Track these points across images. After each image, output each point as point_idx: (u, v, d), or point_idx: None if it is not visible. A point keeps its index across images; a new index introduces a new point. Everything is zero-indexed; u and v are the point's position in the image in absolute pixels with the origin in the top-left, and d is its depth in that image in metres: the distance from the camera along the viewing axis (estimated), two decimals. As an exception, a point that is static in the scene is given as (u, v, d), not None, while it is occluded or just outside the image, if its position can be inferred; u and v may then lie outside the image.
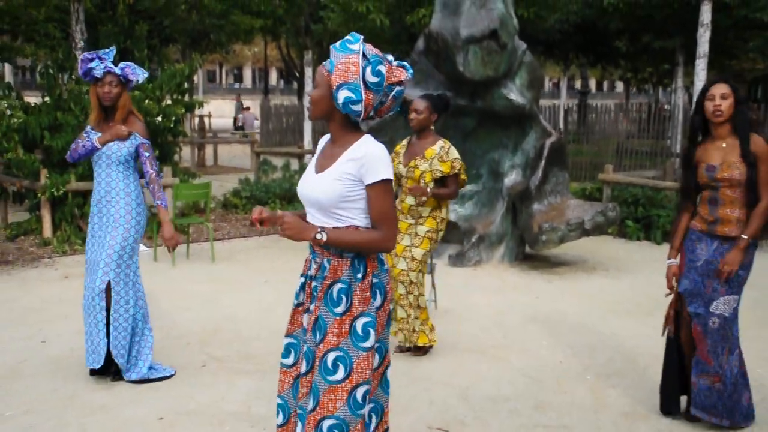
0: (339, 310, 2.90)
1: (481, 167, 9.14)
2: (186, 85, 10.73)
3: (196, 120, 23.39)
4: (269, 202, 12.08)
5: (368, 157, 2.84)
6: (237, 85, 77.34)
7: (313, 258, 3.02)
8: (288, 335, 3.14)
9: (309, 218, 3.01)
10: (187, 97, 10.99)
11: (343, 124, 2.93)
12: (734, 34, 18.77)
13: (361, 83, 2.79)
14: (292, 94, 63.80)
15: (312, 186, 2.93)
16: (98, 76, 4.95)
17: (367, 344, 2.90)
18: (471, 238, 8.82)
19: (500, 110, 8.84)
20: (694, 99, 12.19)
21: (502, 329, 6.51)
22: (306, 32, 16.11)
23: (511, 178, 9.00)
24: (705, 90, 4.34)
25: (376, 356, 3.01)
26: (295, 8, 15.59)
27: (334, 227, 2.88)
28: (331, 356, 2.87)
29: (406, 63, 2.96)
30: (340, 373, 2.87)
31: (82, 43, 11.23)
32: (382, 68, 2.82)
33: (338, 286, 2.92)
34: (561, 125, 21.50)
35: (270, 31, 26.60)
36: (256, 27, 21.43)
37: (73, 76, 10.52)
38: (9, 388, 5.02)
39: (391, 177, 2.87)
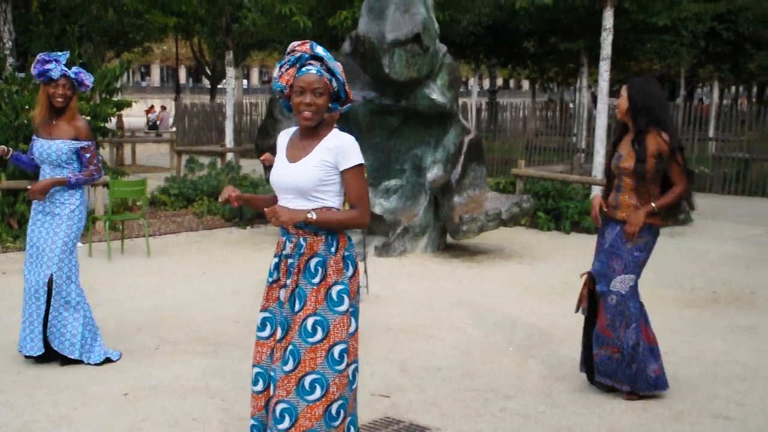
0: (316, 280, 3.36)
1: (405, 163, 9.69)
2: (116, 85, 10.93)
3: (114, 119, 23.28)
4: (197, 199, 12.38)
5: (343, 146, 3.35)
6: (145, 83, 76.15)
7: (287, 238, 3.45)
8: (263, 310, 3.54)
9: (283, 203, 3.46)
10: (115, 97, 11.18)
11: (322, 117, 3.41)
12: (633, 37, 19.89)
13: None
14: (202, 93, 63.32)
15: (291, 174, 3.38)
16: (54, 77, 5.27)
17: (342, 308, 3.37)
18: (396, 230, 9.37)
19: (423, 109, 9.41)
20: (599, 98, 13.06)
21: (431, 311, 7.08)
22: (227, 32, 16.37)
23: (433, 172, 9.59)
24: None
25: (352, 320, 3.44)
26: (216, 9, 15.83)
27: (317, 209, 3.34)
28: (309, 321, 3.32)
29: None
30: (319, 335, 3.32)
31: (10, 44, 11.31)
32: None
33: (315, 260, 3.37)
34: (473, 123, 22.32)
35: (183, 30, 26.65)
36: (170, 25, 21.50)
37: (2, 76, 10.62)
38: (-25, 372, 5.31)
39: (363, 162, 3.37)
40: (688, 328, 6.61)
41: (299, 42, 3.40)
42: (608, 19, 12.43)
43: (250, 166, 16.57)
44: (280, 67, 3.38)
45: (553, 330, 6.53)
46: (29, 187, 5.43)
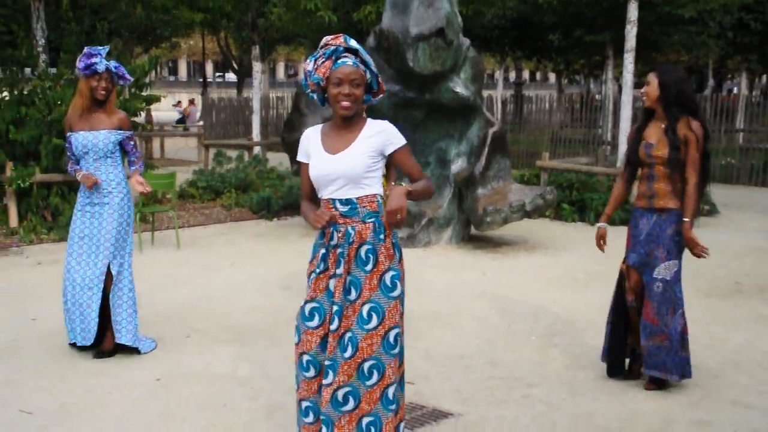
0: (368, 267, 3.45)
1: (429, 155, 9.80)
2: (145, 80, 11.13)
3: (143, 114, 23.59)
4: (225, 191, 12.57)
5: (387, 131, 3.49)
6: (173, 78, 76.81)
7: (335, 228, 3.50)
8: (310, 300, 3.57)
9: (330, 195, 3.49)
10: (145, 92, 11.38)
11: (358, 109, 3.52)
12: (659, 29, 19.79)
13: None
14: (229, 87, 63.74)
15: (337, 164, 3.45)
16: (99, 71, 5.44)
17: (395, 293, 3.47)
18: (421, 222, 9.48)
19: (447, 102, 9.50)
20: (623, 90, 13.08)
21: (455, 301, 7.18)
22: (253, 28, 16.53)
23: (457, 165, 9.68)
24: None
25: (401, 307, 3.52)
26: (242, 5, 16.01)
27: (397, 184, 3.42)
28: (365, 308, 3.42)
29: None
30: (374, 321, 3.42)
31: (43, 41, 11.56)
32: None
33: (365, 247, 3.46)
34: (498, 116, 22.35)
35: (209, 25, 26.89)
36: (196, 21, 21.73)
37: (35, 72, 10.86)
38: (11, 360, 5.51)
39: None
40: (709, 317, 6.66)
41: (332, 36, 3.50)
42: (632, 11, 12.45)
43: (277, 159, 16.75)
44: (315, 60, 3.48)
45: (575, 320, 6.62)
46: (141, 184, 5.69)
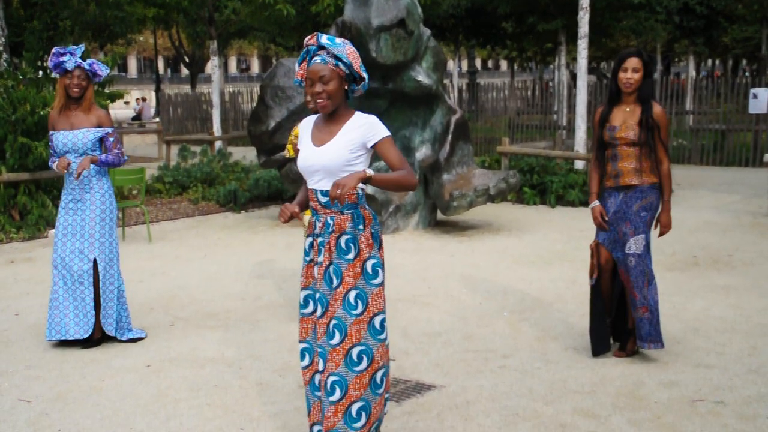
0: (350, 256, 3.59)
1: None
2: (109, 77, 11.18)
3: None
4: (191, 186, 12.68)
5: (369, 123, 3.57)
6: (123, 75, 75.95)
7: (317, 218, 3.67)
8: (304, 288, 3.77)
9: (313, 185, 3.65)
10: (108, 89, 11.44)
11: (342, 105, 3.63)
12: (609, 15, 20.25)
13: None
14: (181, 83, 63.27)
15: (318, 156, 3.59)
16: (69, 68, 5.57)
17: (377, 281, 3.63)
18: (388, 208, 9.72)
19: (410, 91, 9.74)
20: (578, 76, 13.44)
21: (426, 282, 7.44)
22: (210, 22, 16.58)
23: (422, 152, 9.93)
24: (620, 61, 5.09)
25: (385, 294, 3.69)
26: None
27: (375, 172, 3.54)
28: (351, 294, 3.57)
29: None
30: (360, 307, 3.57)
31: (3, 40, 11.53)
32: None
33: (345, 237, 3.60)
34: (456, 104, 22.62)
35: (162, 20, 26.74)
36: (149, 16, 21.59)
37: (-3, 72, 10.88)
38: (3, 351, 5.64)
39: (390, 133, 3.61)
40: (670, 288, 7.01)
41: (309, 36, 3.62)
42: (585, -2, 12.78)
43: (239, 153, 16.85)
44: (299, 64, 3.62)
45: (543, 295, 6.91)
46: (72, 171, 5.63)
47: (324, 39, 3.55)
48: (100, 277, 5.66)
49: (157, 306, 6.76)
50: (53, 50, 5.57)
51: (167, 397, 4.77)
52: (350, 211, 3.61)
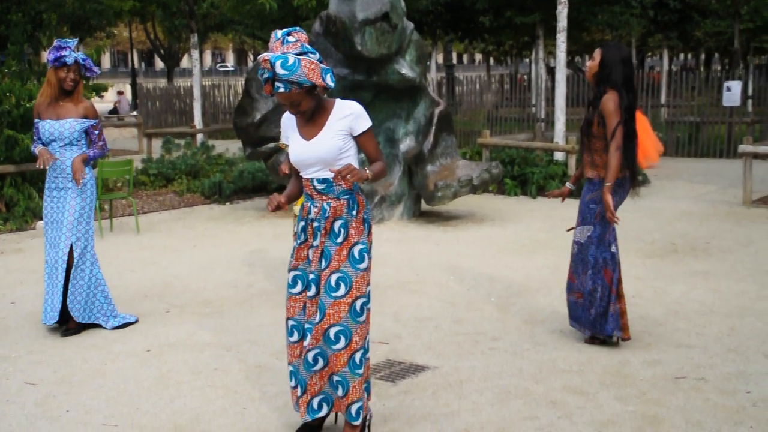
0: (339, 240, 3.77)
1: (378, 135, 10.18)
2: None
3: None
4: (176, 178, 12.77)
5: (354, 113, 3.75)
6: (97, 68, 75.26)
7: (312, 204, 3.83)
8: (293, 269, 3.94)
9: (309, 175, 3.81)
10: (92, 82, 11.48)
11: (317, 100, 3.75)
12: (585, 9, 20.51)
13: (319, 63, 3.64)
14: (156, 76, 62.91)
15: (313, 148, 3.75)
16: (69, 63, 5.68)
17: (362, 266, 3.80)
18: (374, 199, 9.88)
19: (394, 84, 9.90)
20: (557, 69, 13.67)
21: (414, 270, 7.61)
22: (191, 15, 16.63)
23: (406, 144, 10.10)
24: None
25: (369, 279, 3.85)
26: (179, -9, 16.11)
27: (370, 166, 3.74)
28: (334, 277, 3.74)
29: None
30: (342, 290, 3.74)
31: (-14, 32, 11.56)
32: (305, 44, 3.68)
33: (339, 222, 3.78)
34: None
35: (138, 13, 26.66)
36: (125, 9, 21.54)
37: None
38: (4, 338, 5.75)
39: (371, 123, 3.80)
40: (651, 274, 7.24)
41: (263, 54, 3.65)
42: (563, -8, 13.00)
43: (221, 146, 16.92)
44: (264, 84, 3.70)
45: (528, 282, 7.11)
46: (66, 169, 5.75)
47: (278, 67, 3.56)
48: (74, 264, 5.77)
49: (151, 294, 6.88)
50: (54, 43, 5.68)
51: (169, 379, 4.91)
52: (346, 197, 3.80)
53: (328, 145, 3.74)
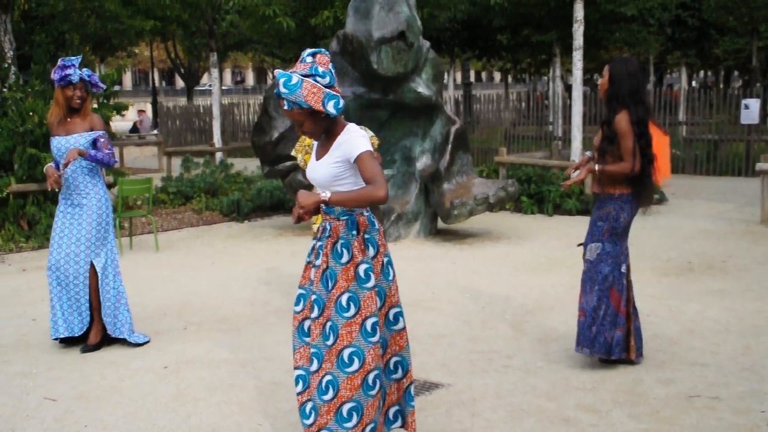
0: (344, 260, 3.79)
1: (395, 153, 10.26)
2: (114, 89, 11.40)
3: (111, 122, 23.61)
4: (195, 196, 12.90)
5: (348, 141, 3.74)
6: (118, 87, 76.09)
7: (321, 223, 3.93)
8: (300, 287, 4.00)
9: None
10: (113, 101, 11.66)
11: (326, 125, 3.80)
12: (603, 27, 20.55)
13: (325, 88, 3.68)
14: (176, 95, 63.46)
15: (315, 170, 3.86)
16: (74, 81, 5.78)
17: (369, 285, 3.80)
18: (390, 217, 9.94)
19: (410, 102, 9.99)
20: (573, 87, 13.70)
21: (429, 287, 7.66)
22: (210, 35, 16.84)
23: (422, 162, 10.17)
24: None
25: (377, 298, 3.83)
26: (198, 12, 16.29)
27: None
28: (344, 297, 3.76)
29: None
30: (352, 310, 3.76)
31: (11, 53, 11.74)
32: (318, 67, 3.71)
33: (340, 242, 3.81)
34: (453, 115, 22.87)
35: (159, 33, 26.99)
36: (146, 29, 21.83)
37: (7, 84, 11.07)
38: (25, 354, 5.85)
39: (370, 148, 3.75)
40: (666, 293, 7.24)
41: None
42: (579, 10, 13.07)
43: (240, 164, 17.06)
44: (278, 100, 3.80)
45: (543, 300, 7.13)
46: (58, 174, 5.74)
47: (280, 84, 3.64)
48: (99, 281, 5.86)
49: (170, 312, 6.96)
50: (58, 63, 5.77)
51: (186, 396, 4.97)
52: (345, 218, 3.82)
53: (323, 171, 3.80)
